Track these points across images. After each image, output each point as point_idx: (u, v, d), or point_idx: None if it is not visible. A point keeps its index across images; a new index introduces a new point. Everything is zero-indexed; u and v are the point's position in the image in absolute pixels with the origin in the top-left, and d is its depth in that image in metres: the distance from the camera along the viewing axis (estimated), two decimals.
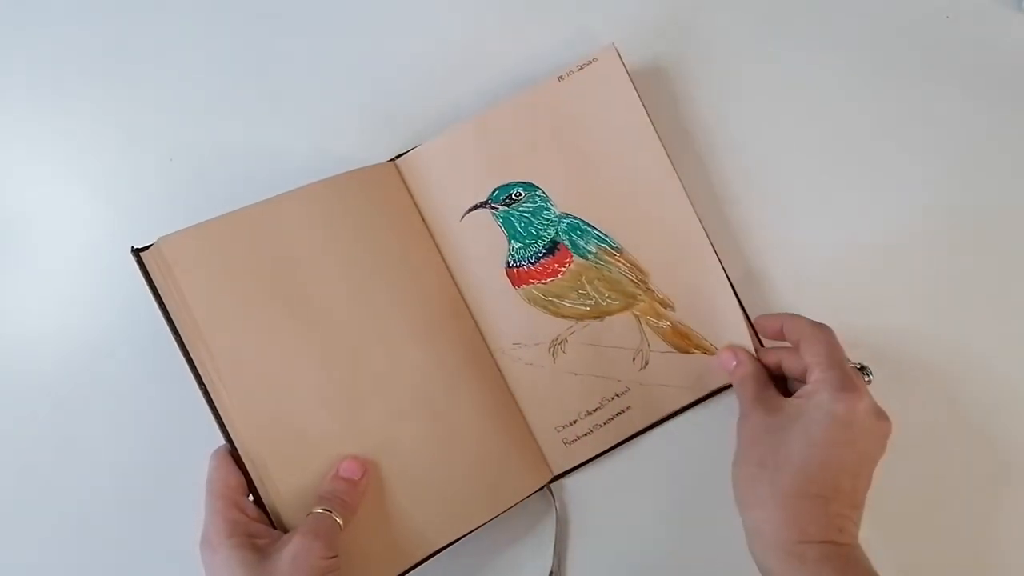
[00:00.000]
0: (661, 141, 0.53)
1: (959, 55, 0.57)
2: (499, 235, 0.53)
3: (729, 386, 0.53)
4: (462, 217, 0.52)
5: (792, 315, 0.50)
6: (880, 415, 0.45)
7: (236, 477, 0.45)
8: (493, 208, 0.53)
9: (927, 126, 0.57)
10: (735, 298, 0.53)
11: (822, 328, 0.48)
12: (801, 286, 0.55)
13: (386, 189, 0.52)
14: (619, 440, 0.53)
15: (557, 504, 0.53)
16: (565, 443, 0.53)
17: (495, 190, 0.52)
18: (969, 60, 0.57)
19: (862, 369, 0.48)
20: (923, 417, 0.54)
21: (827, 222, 0.56)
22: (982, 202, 0.56)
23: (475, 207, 0.52)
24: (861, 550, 0.43)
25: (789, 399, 0.47)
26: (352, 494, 0.46)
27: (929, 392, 0.55)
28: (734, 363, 0.51)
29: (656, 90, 0.56)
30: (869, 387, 0.46)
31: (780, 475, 0.43)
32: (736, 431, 0.48)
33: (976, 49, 0.58)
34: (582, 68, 0.53)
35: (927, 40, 0.58)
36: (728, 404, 0.54)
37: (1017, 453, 0.54)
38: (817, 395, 0.45)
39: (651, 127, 0.53)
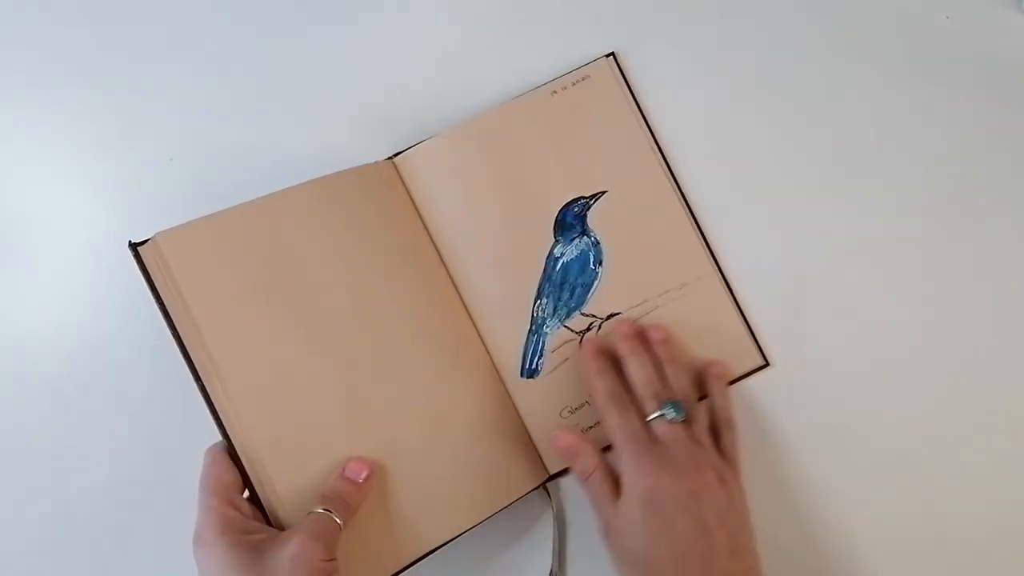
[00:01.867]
0: (660, 151, 0.53)
1: (959, 55, 0.57)
2: None
3: (734, 380, 0.53)
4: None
5: (588, 376, 0.50)
6: (687, 476, 0.45)
7: (231, 474, 0.45)
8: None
9: (926, 126, 0.57)
10: (736, 309, 0.54)
11: (607, 408, 0.48)
12: (798, 285, 0.55)
13: (384, 187, 0.52)
14: None
15: (555, 504, 0.53)
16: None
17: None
18: (969, 60, 0.57)
19: (663, 412, 0.47)
20: (919, 414, 0.54)
21: (827, 222, 0.56)
22: (982, 202, 0.56)
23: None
24: None
25: (621, 495, 0.46)
26: (355, 496, 0.45)
27: (925, 392, 0.54)
28: (571, 441, 0.49)
29: (654, 94, 0.56)
30: (691, 416, 0.47)
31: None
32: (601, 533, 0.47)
33: (976, 49, 0.57)
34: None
35: (926, 40, 0.58)
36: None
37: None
38: (627, 486, 0.45)
39: (646, 141, 0.54)
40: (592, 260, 0.53)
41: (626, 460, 0.46)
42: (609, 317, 0.53)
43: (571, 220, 0.53)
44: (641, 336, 0.51)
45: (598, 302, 0.53)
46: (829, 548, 0.52)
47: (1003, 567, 0.53)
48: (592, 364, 0.50)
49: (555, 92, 0.54)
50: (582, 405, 0.53)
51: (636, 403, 0.48)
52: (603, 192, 0.53)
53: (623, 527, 0.45)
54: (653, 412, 0.47)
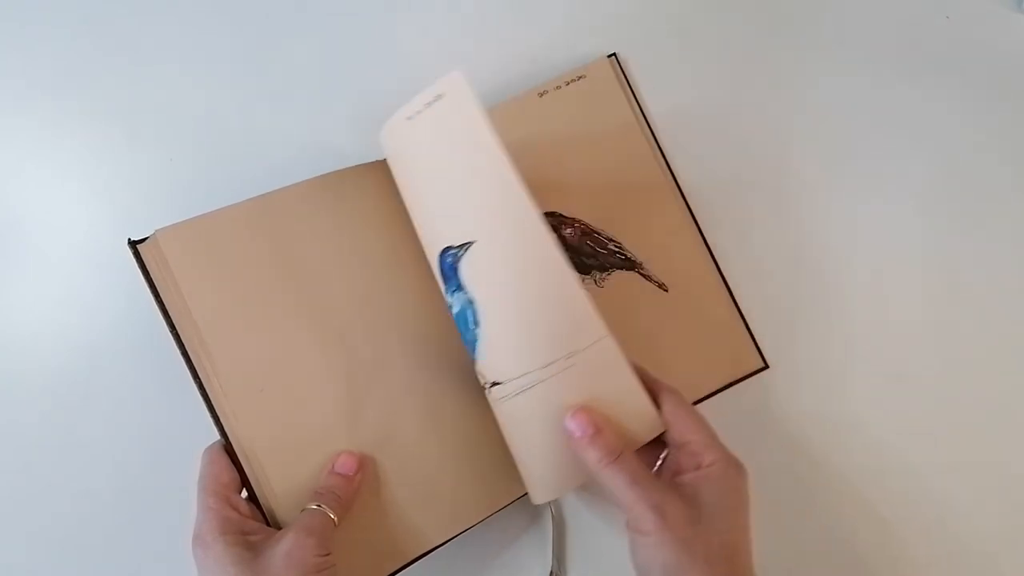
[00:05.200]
0: (660, 150, 0.53)
1: (959, 55, 0.57)
2: None
3: (734, 383, 0.53)
4: None
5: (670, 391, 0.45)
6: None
7: (228, 474, 0.45)
8: None
9: (926, 126, 0.57)
10: (736, 311, 0.54)
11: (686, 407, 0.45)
12: (798, 286, 0.55)
13: (384, 186, 0.52)
14: None
15: (553, 504, 0.53)
16: None
17: None
18: (969, 60, 0.57)
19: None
20: (921, 416, 0.54)
21: (825, 222, 0.56)
22: (982, 202, 0.56)
23: None
24: None
25: (683, 478, 0.43)
26: (347, 490, 0.46)
27: (922, 392, 0.54)
28: (591, 432, 0.42)
29: (652, 93, 0.56)
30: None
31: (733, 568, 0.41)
32: (646, 529, 0.41)
33: (976, 49, 0.57)
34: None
35: (927, 40, 0.58)
36: (726, 403, 0.53)
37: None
38: (711, 468, 0.42)
39: (644, 139, 0.53)
40: (470, 319, 0.45)
41: (728, 456, 0.43)
42: (493, 385, 0.45)
43: (447, 271, 0.45)
44: None
45: (484, 366, 0.45)
46: (830, 549, 0.52)
47: (1004, 568, 0.52)
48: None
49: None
50: None
51: None
52: (471, 242, 0.44)
53: (688, 509, 0.41)
54: None
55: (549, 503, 0.53)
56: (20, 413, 0.54)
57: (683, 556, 0.40)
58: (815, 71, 0.57)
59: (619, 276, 0.53)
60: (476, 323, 0.44)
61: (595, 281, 0.53)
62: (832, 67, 0.57)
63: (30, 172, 0.57)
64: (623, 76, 0.55)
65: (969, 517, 0.53)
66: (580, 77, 0.54)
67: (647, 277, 0.53)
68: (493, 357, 0.44)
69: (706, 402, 0.53)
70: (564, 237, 0.53)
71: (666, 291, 0.53)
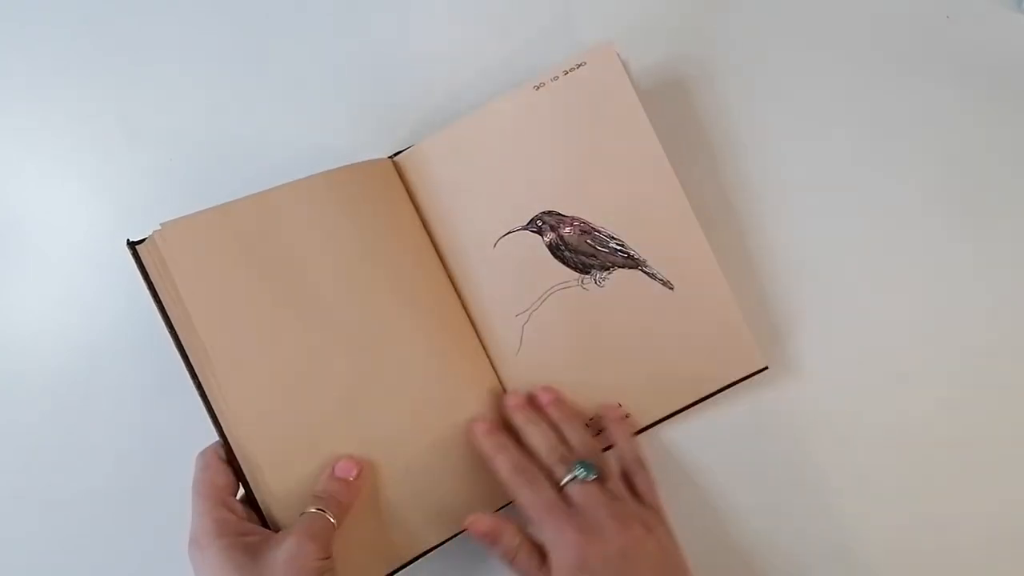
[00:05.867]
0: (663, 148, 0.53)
1: (959, 55, 0.57)
2: None
3: (734, 383, 0.52)
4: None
5: (493, 453, 0.48)
6: (612, 533, 0.43)
7: (224, 477, 0.45)
8: None
9: (926, 126, 0.57)
10: (735, 312, 0.53)
11: (516, 485, 0.46)
12: (797, 281, 0.55)
13: (384, 184, 0.52)
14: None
15: None
16: None
17: None
18: (969, 60, 0.57)
19: (574, 475, 0.46)
20: (923, 416, 0.54)
21: (824, 221, 0.56)
22: (982, 202, 0.56)
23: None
24: None
25: (552, 570, 0.44)
26: (347, 494, 0.46)
27: (925, 392, 0.54)
28: (488, 524, 0.46)
29: (651, 92, 0.56)
30: (603, 474, 0.46)
31: None
32: None
33: (976, 49, 0.57)
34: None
35: (927, 40, 0.57)
36: (725, 403, 0.53)
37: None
38: (555, 560, 0.43)
39: (650, 130, 0.52)
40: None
41: (548, 533, 0.44)
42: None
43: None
44: (531, 402, 0.50)
45: None
46: (830, 549, 0.52)
47: (1005, 569, 0.52)
48: (488, 443, 0.48)
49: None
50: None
51: (545, 471, 0.47)
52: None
53: None
54: (565, 477, 0.46)
55: None
56: (20, 413, 0.54)
57: None
58: (815, 71, 0.57)
59: (621, 275, 0.53)
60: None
61: (595, 281, 0.53)
62: (832, 67, 0.57)
63: (30, 172, 0.57)
64: (624, 70, 0.54)
65: (971, 517, 0.53)
66: (580, 64, 0.53)
67: (652, 275, 0.53)
68: None
69: (706, 402, 0.53)
70: (562, 236, 0.53)
71: (672, 289, 0.53)
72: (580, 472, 0.46)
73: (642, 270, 0.53)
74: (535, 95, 0.52)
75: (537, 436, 0.49)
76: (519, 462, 0.47)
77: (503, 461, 0.47)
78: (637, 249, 0.53)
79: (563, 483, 0.46)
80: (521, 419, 0.50)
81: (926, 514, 0.53)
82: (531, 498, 0.46)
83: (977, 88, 0.57)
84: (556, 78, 0.52)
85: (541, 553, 0.45)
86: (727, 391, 0.53)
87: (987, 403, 0.54)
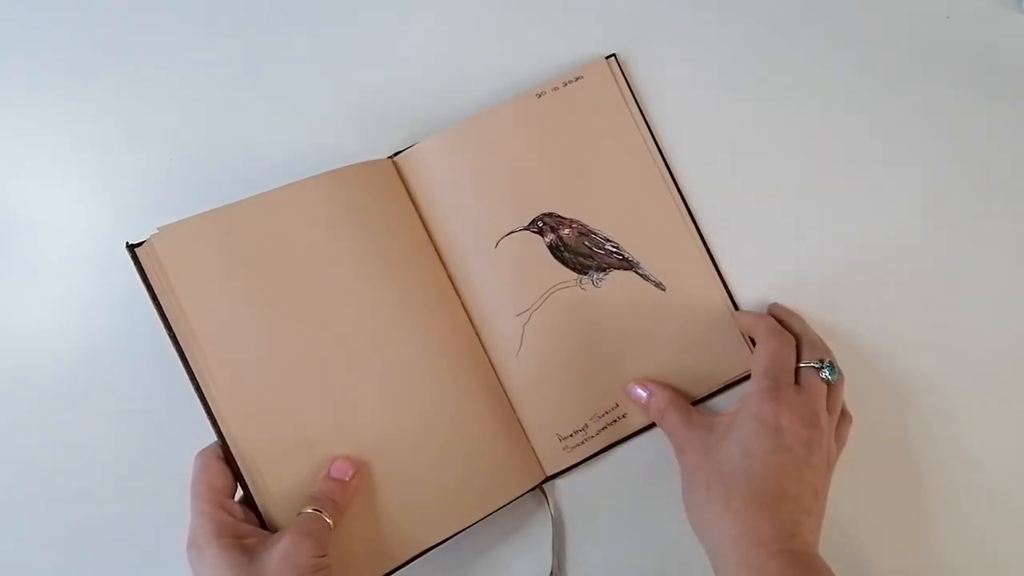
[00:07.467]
0: (660, 152, 0.53)
1: (959, 55, 0.57)
2: None
3: (737, 381, 0.53)
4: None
5: (760, 316, 0.51)
6: (809, 423, 0.45)
7: (222, 479, 0.45)
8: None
9: (926, 126, 0.57)
10: (726, 292, 0.54)
11: (773, 336, 0.48)
12: (796, 283, 0.55)
13: (384, 184, 0.52)
14: (615, 440, 0.53)
15: (552, 504, 0.53)
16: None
17: None
18: (969, 60, 0.57)
19: (821, 367, 0.47)
20: (922, 416, 0.54)
21: (824, 221, 0.56)
22: (982, 202, 0.56)
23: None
24: (822, 560, 0.44)
25: (717, 415, 0.49)
26: (343, 494, 0.46)
27: (924, 393, 0.54)
28: (645, 395, 0.51)
29: (648, 92, 0.56)
30: (835, 386, 0.48)
31: (727, 491, 0.44)
32: (678, 462, 0.49)
33: (976, 49, 0.57)
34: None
35: (927, 40, 0.57)
36: (724, 404, 0.53)
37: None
38: (745, 407, 0.46)
39: (644, 142, 0.54)
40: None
41: (762, 386, 0.46)
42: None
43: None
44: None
45: None
46: (829, 549, 0.52)
47: (1005, 567, 0.52)
48: (753, 314, 0.52)
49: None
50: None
51: (798, 349, 0.49)
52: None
53: (718, 440, 0.46)
54: (811, 360, 0.48)
55: (547, 504, 0.53)
56: (20, 413, 0.55)
57: (688, 481, 0.47)
58: (815, 71, 0.57)
59: (617, 276, 0.53)
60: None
61: (592, 281, 0.53)
62: (832, 67, 0.57)
63: (30, 172, 0.57)
64: (623, 77, 0.55)
65: (973, 516, 0.53)
66: (578, 78, 0.54)
67: (644, 277, 0.53)
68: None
69: (706, 402, 0.53)
70: (561, 237, 0.53)
71: (663, 290, 0.53)
72: (826, 369, 0.47)
73: (636, 271, 0.53)
74: (537, 102, 0.54)
75: (806, 331, 0.50)
76: (779, 327, 0.50)
77: (768, 321, 0.50)
78: (631, 251, 0.53)
79: (806, 364, 0.48)
80: (786, 313, 0.52)
81: (926, 513, 0.53)
82: (774, 350, 0.48)
83: (977, 88, 0.57)
84: (556, 88, 0.54)
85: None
86: (726, 391, 0.53)
87: (989, 403, 0.54)
